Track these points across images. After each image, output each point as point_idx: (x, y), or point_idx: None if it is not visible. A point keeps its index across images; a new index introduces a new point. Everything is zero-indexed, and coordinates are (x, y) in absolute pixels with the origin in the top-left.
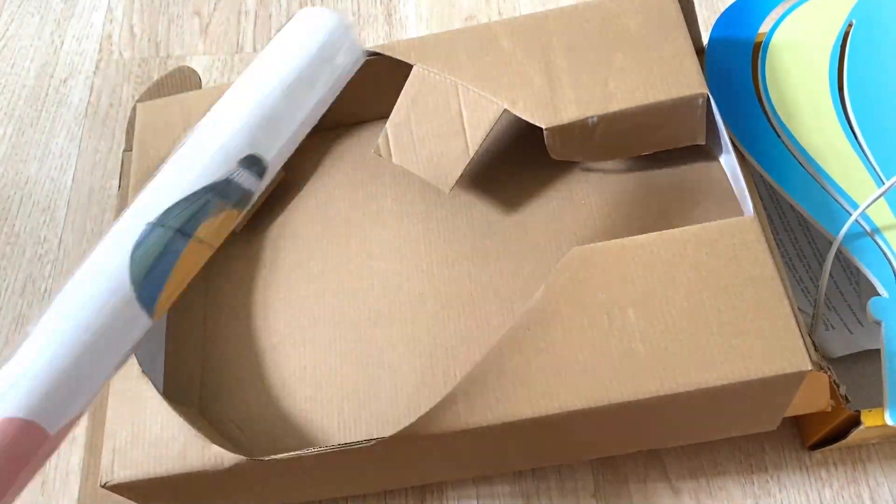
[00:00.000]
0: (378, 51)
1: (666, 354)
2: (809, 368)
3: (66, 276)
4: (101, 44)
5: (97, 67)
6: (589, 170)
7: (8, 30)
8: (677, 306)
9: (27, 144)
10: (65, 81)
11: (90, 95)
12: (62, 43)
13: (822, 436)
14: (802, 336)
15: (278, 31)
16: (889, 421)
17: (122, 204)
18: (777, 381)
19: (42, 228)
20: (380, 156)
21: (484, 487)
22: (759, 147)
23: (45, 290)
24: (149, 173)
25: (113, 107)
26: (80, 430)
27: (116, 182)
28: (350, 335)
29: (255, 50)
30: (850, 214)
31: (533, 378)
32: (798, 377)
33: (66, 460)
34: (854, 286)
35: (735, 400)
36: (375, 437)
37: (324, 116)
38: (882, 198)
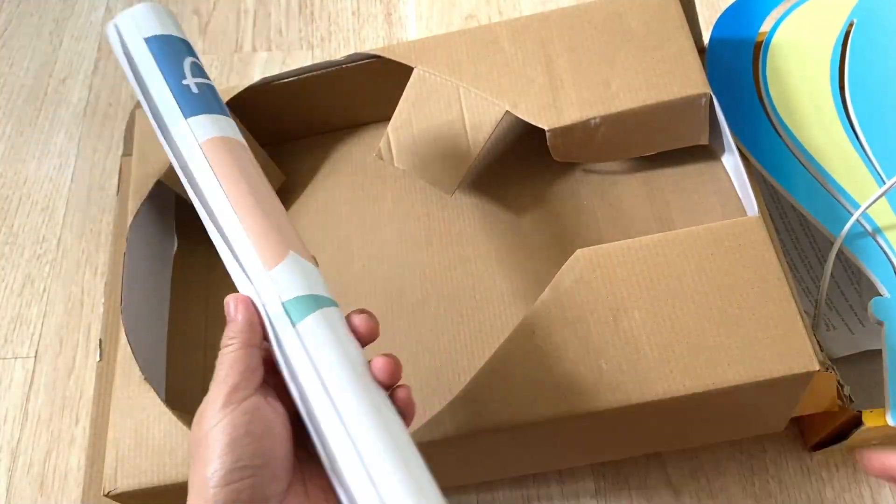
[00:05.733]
0: (378, 53)
1: (673, 356)
2: (817, 369)
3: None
4: (99, 43)
5: (96, 67)
6: (591, 171)
7: (6, 29)
8: (683, 308)
9: (26, 144)
10: (63, 81)
11: (89, 95)
12: (61, 42)
13: (824, 436)
14: (809, 337)
15: (278, 31)
16: (890, 421)
17: (122, 209)
18: (784, 382)
19: (41, 228)
20: (381, 159)
21: (484, 491)
22: (760, 147)
23: (44, 289)
24: (148, 179)
25: (112, 106)
26: (79, 434)
27: (115, 182)
28: None
29: (254, 49)
30: (852, 214)
31: (539, 381)
32: (805, 378)
33: (66, 461)
34: (855, 286)
35: (742, 401)
36: None
37: (325, 120)
38: (883, 197)
